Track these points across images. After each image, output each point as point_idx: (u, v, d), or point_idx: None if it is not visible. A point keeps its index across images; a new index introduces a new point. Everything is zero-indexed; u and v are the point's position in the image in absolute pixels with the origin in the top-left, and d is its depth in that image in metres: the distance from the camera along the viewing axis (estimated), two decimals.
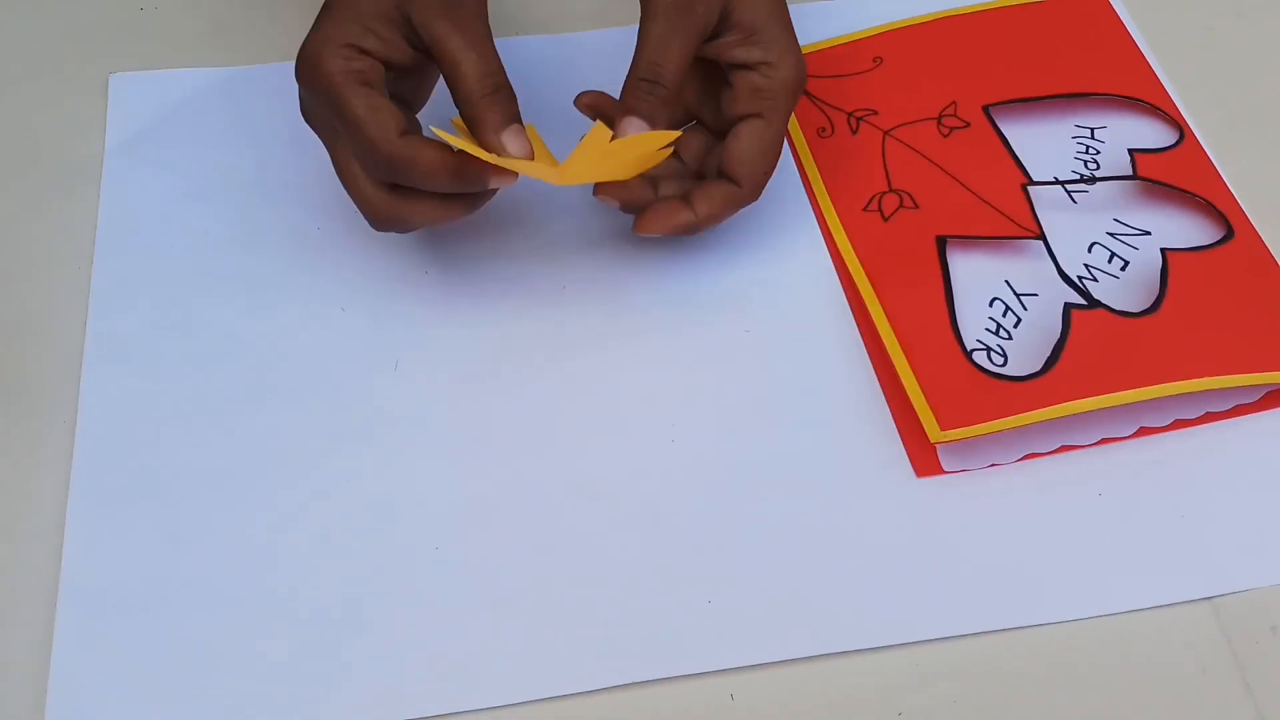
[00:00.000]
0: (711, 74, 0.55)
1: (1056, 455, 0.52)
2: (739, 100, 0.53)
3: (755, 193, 0.54)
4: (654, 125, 0.52)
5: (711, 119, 0.56)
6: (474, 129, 0.50)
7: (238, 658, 0.47)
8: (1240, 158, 0.61)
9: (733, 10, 0.52)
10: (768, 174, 0.54)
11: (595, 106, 0.56)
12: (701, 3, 0.52)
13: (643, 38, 0.52)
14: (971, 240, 0.57)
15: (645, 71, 0.52)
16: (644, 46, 0.52)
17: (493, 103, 0.50)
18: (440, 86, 0.52)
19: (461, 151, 0.49)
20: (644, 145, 0.52)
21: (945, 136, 0.61)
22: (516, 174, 0.50)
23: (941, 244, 0.57)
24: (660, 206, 0.54)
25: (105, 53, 0.65)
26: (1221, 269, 0.56)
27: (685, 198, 0.54)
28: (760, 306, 0.56)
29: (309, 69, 0.51)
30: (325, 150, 0.53)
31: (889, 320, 0.55)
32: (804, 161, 0.61)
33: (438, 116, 0.52)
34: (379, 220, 0.52)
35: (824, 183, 0.60)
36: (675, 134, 0.52)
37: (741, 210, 0.55)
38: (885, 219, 0.58)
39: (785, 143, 0.61)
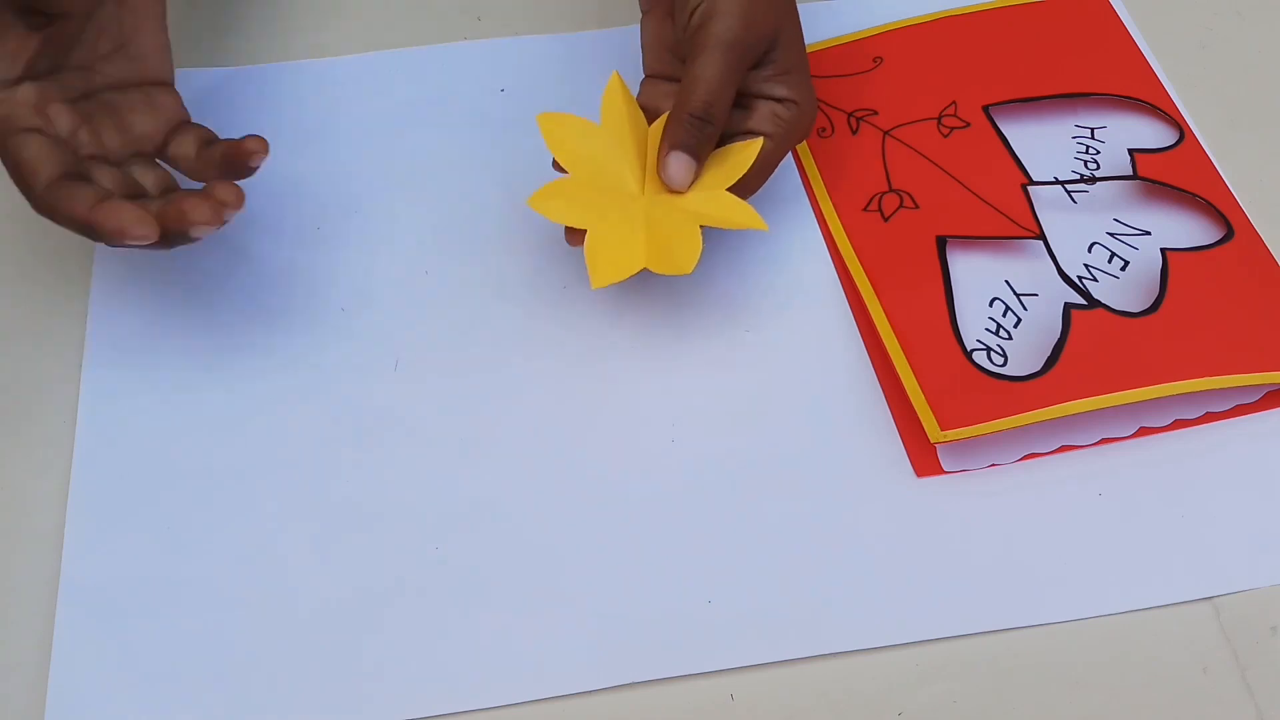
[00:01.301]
0: None
1: (1057, 455, 0.52)
2: (754, 118, 0.54)
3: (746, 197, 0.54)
4: (699, 160, 0.53)
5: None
6: None
7: (237, 658, 0.47)
8: (1240, 157, 0.61)
9: (775, 49, 0.53)
10: (756, 189, 0.55)
11: None
12: (755, 45, 0.52)
13: (698, 73, 0.52)
14: (971, 240, 0.57)
15: (699, 109, 0.52)
16: (700, 83, 0.52)
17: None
18: None
19: (97, 209, 0.47)
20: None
21: (945, 136, 0.61)
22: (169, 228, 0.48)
23: (941, 244, 0.57)
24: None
25: None
26: (1221, 269, 0.56)
27: None
28: (760, 306, 0.56)
29: None
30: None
31: (889, 320, 0.55)
32: (804, 162, 0.61)
33: None
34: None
35: (824, 183, 0.60)
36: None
37: None
38: (885, 219, 0.58)
39: None
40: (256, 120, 0.62)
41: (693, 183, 0.53)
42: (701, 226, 0.52)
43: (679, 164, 0.52)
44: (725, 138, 0.54)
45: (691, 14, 0.52)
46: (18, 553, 0.50)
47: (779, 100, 0.54)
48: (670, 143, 0.52)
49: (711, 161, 0.54)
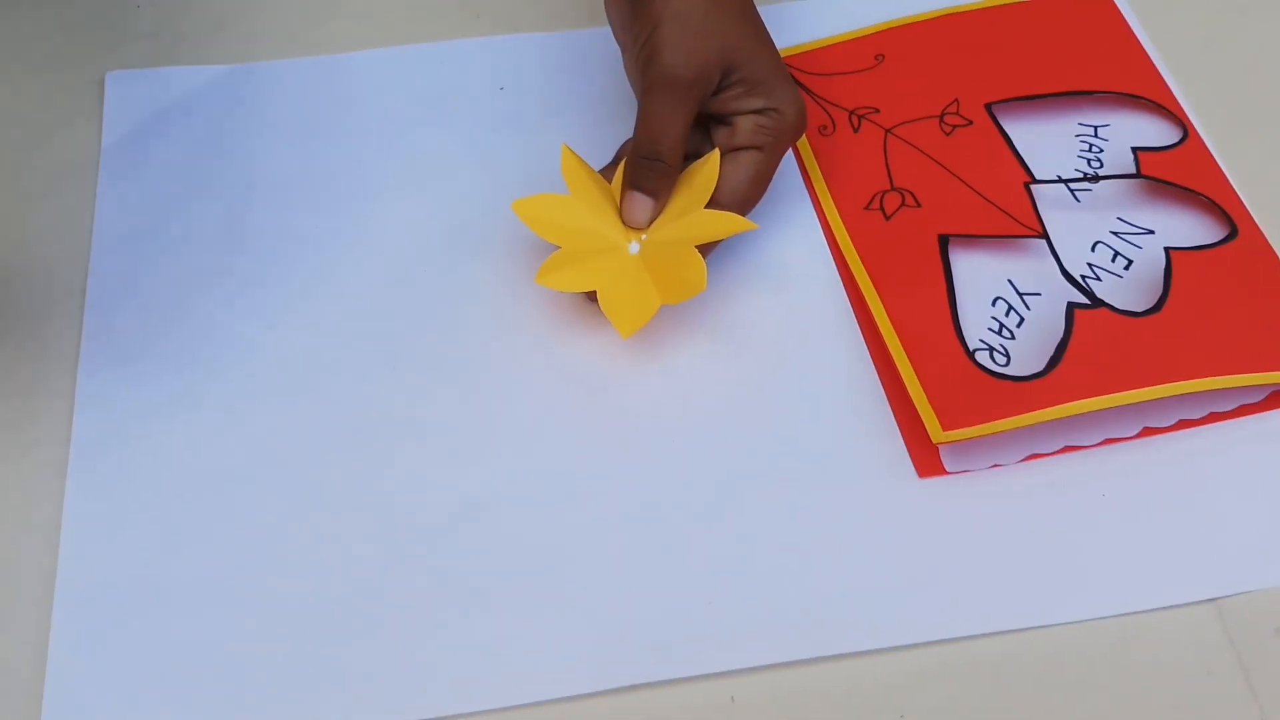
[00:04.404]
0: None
1: (1060, 456, 0.52)
2: (739, 135, 0.54)
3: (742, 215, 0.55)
4: (657, 199, 0.53)
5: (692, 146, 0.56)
6: None
7: (234, 658, 0.47)
8: (1244, 156, 0.60)
9: (735, 70, 0.54)
10: (755, 202, 0.55)
11: None
12: (701, 76, 0.53)
13: (643, 114, 0.53)
14: (974, 239, 0.57)
15: (646, 150, 0.53)
16: (645, 124, 0.53)
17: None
18: None
19: None
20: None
21: (947, 134, 0.61)
22: None
23: (944, 243, 0.57)
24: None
25: (101, 50, 0.65)
26: (1225, 268, 0.56)
27: None
28: (761, 306, 0.56)
29: None
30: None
31: (891, 320, 0.55)
32: (805, 160, 0.61)
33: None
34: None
35: (825, 181, 0.60)
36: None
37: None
38: (887, 218, 0.58)
39: None
40: (253, 118, 0.62)
41: (653, 219, 0.54)
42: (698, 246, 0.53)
43: (634, 203, 0.53)
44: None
45: (638, 53, 0.53)
46: (14, 553, 0.50)
47: (759, 112, 0.54)
48: (626, 184, 0.53)
49: (680, 186, 0.54)
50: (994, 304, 0.55)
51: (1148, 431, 0.53)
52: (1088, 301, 0.55)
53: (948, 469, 0.52)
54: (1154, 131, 0.61)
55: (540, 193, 0.54)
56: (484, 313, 0.56)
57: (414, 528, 0.50)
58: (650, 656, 0.47)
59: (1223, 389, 0.52)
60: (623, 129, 0.57)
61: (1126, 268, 0.56)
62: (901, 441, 0.52)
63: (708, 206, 0.54)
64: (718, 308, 0.56)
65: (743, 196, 0.54)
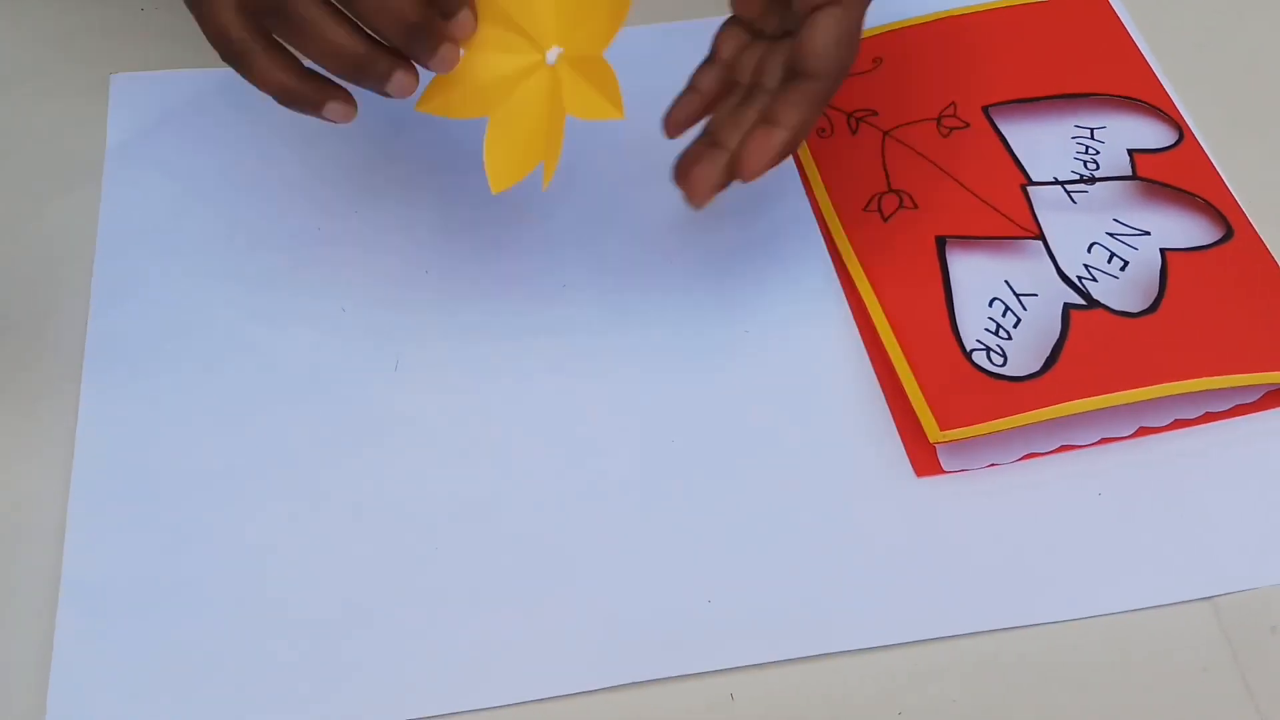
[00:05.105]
0: None
1: (1056, 455, 0.52)
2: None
3: (836, 86, 0.49)
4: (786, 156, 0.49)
5: (773, 24, 0.51)
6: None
7: (238, 658, 0.47)
8: (1240, 158, 0.61)
9: None
10: (847, 66, 0.49)
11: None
12: None
13: (836, 31, 0.48)
14: (971, 240, 0.57)
15: (832, 88, 0.49)
16: (835, 49, 0.48)
17: None
18: None
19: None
20: None
21: (945, 137, 0.61)
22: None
23: (941, 244, 0.57)
24: (750, 140, 0.49)
25: (106, 53, 0.65)
26: (1221, 269, 0.56)
27: (766, 119, 0.49)
28: (760, 306, 0.56)
29: None
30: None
31: (888, 320, 0.55)
32: (804, 162, 0.61)
33: None
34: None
35: (824, 183, 0.60)
36: None
37: (742, 208, 0.55)
38: (885, 219, 0.58)
39: None
40: (256, 120, 0.62)
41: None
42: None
43: (766, 146, 0.48)
44: (775, 34, 0.50)
45: None
46: (19, 552, 0.50)
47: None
48: (778, 120, 0.48)
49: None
50: (991, 305, 0.55)
51: (1144, 431, 0.53)
52: (1084, 302, 0.55)
53: (945, 468, 0.52)
54: (1150, 133, 0.61)
55: (545, 180, 0.48)
56: (484, 312, 0.56)
57: (415, 527, 0.50)
58: (650, 654, 0.47)
59: (1218, 389, 0.52)
60: (624, 128, 0.55)
61: (1122, 269, 0.56)
62: (899, 441, 0.53)
63: None
64: (716, 309, 0.56)
65: (835, 60, 0.49)
